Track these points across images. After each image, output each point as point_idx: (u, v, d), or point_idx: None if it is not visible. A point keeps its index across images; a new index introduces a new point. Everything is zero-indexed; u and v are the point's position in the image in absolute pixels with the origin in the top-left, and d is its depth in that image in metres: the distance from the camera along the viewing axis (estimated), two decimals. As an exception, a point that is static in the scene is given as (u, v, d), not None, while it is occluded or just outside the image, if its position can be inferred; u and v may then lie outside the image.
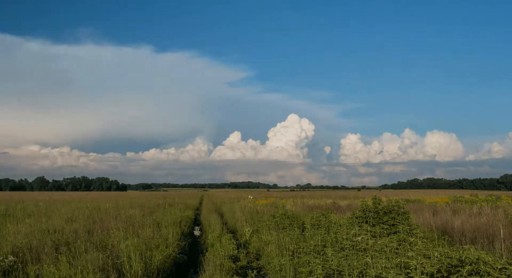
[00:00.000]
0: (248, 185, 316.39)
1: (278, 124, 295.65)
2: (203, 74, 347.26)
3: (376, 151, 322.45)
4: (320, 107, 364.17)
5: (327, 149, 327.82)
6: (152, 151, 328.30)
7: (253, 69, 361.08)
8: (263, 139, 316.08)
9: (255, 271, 9.22)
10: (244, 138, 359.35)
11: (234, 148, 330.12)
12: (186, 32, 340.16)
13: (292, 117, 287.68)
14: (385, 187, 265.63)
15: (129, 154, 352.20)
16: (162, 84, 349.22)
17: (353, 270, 6.82)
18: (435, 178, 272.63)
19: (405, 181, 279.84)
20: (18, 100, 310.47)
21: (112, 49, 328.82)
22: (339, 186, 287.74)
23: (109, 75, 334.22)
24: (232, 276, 8.76)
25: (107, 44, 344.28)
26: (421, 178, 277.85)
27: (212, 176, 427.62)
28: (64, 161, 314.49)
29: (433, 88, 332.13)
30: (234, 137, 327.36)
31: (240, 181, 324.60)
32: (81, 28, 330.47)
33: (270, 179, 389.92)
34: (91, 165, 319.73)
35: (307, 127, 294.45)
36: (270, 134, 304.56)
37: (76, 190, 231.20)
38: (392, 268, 6.17)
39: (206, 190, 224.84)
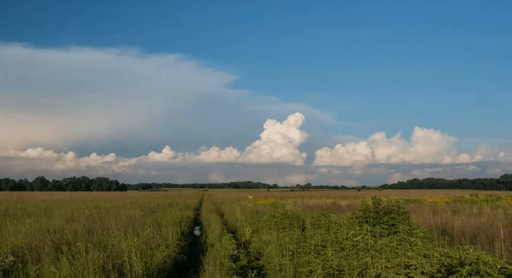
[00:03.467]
0: (248, 185, 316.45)
1: (272, 127, 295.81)
2: (196, 76, 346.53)
3: (371, 151, 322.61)
4: (314, 109, 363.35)
5: (322, 150, 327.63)
6: (152, 152, 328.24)
7: (243, 72, 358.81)
8: (258, 141, 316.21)
9: (255, 271, 9.22)
10: (240, 140, 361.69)
11: (232, 149, 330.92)
12: (174, 35, 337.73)
13: (286, 119, 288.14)
14: (385, 187, 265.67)
15: (129, 155, 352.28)
16: (153, 86, 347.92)
17: (353, 270, 6.82)
18: (435, 178, 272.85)
19: (405, 181, 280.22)
20: (15, 104, 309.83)
21: (100, 52, 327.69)
22: (339, 186, 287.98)
23: (101, 78, 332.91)
24: (232, 276, 8.77)
25: (94, 47, 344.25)
26: (421, 178, 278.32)
27: (212, 176, 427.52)
28: (65, 163, 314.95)
29: (432, 89, 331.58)
30: (232, 139, 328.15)
31: (240, 181, 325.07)
32: (67, 31, 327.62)
33: (267, 180, 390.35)
34: (91, 166, 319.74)
35: (302, 129, 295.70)
36: (263, 136, 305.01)
37: (76, 190, 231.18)
38: (392, 268, 6.18)
39: (206, 190, 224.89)
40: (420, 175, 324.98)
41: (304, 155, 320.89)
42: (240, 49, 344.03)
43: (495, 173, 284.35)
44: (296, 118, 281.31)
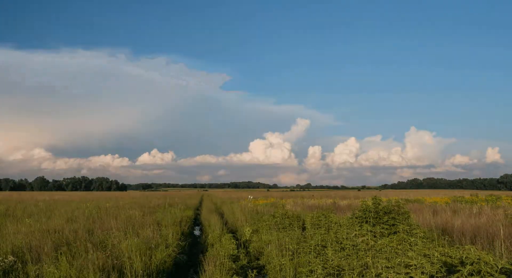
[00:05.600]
0: (248, 185, 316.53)
1: (268, 129, 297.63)
2: (190, 78, 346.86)
3: (371, 152, 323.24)
4: (312, 110, 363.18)
5: (321, 151, 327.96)
6: (151, 153, 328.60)
7: (236, 74, 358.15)
8: (257, 141, 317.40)
9: (255, 271, 9.21)
10: (239, 140, 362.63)
11: (231, 150, 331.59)
12: (164, 37, 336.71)
13: (284, 121, 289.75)
14: (385, 187, 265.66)
15: (129, 155, 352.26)
16: (150, 87, 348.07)
17: (354, 270, 6.82)
18: (435, 178, 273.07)
19: (405, 181, 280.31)
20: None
21: (91, 53, 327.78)
22: (339, 186, 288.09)
23: (95, 80, 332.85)
24: (232, 276, 8.76)
25: (85, 49, 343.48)
26: (421, 178, 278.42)
27: (212, 176, 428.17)
28: (64, 163, 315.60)
29: (430, 91, 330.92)
30: (231, 139, 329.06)
31: (240, 181, 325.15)
32: (57, 33, 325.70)
33: (267, 180, 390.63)
34: (91, 166, 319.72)
35: (299, 130, 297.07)
36: (262, 137, 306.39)
37: (76, 190, 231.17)
38: (392, 267, 6.17)
39: (206, 190, 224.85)
40: (419, 175, 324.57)
41: (302, 155, 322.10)
42: (235, 50, 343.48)
43: (490, 173, 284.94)
44: (300, 127, 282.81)
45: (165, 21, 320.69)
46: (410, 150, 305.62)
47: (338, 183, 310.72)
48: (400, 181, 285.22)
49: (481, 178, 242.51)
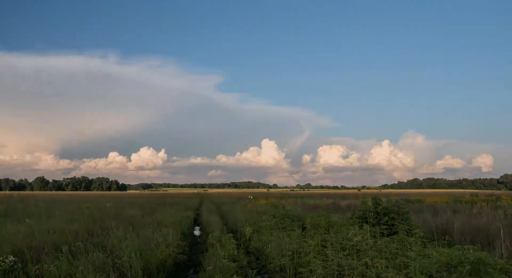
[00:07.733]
0: (248, 185, 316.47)
1: (266, 130, 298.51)
2: (187, 79, 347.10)
3: (370, 153, 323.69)
4: (309, 112, 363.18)
5: (317, 152, 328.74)
6: (153, 152, 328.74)
7: (234, 75, 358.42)
8: (256, 142, 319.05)
9: (255, 271, 9.22)
10: (239, 141, 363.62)
11: (231, 150, 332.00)
12: (156, 39, 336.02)
13: (282, 122, 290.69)
14: (385, 187, 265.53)
15: (129, 155, 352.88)
16: (148, 88, 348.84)
17: (354, 270, 6.83)
18: (435, 178, 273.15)
19: (405, 181, 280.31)
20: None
21: (80, 56, 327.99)
22: (339, 186, 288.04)
23: (90, 82, 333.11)
24: (232, 276, 8.76)
25: (72, 52, 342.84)
26: (421, 178, 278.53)
27: (212, 176, 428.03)
28: (64, 163, 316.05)
29: (428, 94, 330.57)
30: (231, 139, 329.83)
31: (240, 181, 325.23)
32: (47, 35, 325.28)
33: (268, 180, 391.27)
34: (91, 166, 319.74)
35: (297, 131, 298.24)
36: (259, 139, 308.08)
37: (76, 190, 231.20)
38: (392, 268, 6.18)
39: (206, 190, 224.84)
40: (419, 176, 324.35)
41: (302, 155, 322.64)
42: (231, 51, 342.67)
43: (483, 175, 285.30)
44: (298, 127, 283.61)
45: (159, 22, 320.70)
46: (407, 151, 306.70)
47: (338, 183, 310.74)
48: (400, 181, 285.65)
49: (481, 178, 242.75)
